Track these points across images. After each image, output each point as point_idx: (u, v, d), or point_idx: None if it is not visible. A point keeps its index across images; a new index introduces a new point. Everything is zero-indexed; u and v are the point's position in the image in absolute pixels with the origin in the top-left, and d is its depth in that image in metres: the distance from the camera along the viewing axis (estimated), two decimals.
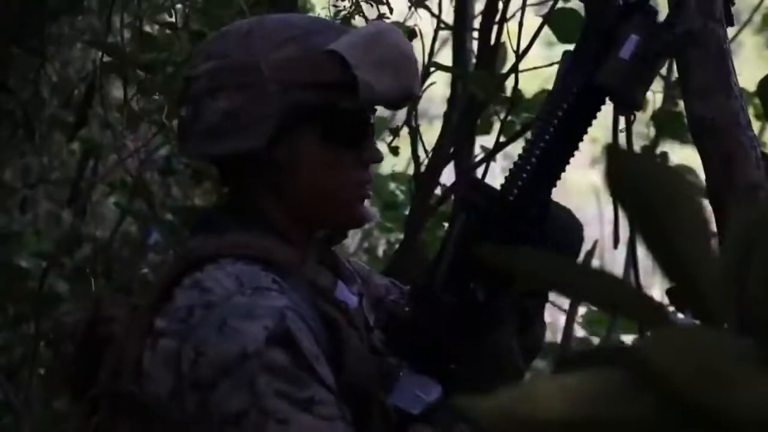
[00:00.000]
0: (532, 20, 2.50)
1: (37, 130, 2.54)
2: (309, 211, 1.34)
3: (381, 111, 4.08)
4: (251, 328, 1.20)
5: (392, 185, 3.34)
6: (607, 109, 2.35)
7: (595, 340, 3.15)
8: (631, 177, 0.58)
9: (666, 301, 0.81)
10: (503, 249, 0.58)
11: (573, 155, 1.30)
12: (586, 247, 2.71)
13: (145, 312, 1.27)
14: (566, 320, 2.67)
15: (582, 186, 7.63)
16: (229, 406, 1.19)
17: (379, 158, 1.39)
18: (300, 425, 1.17)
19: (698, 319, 0.67)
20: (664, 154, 2.63)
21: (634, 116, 1.72)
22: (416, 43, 2.74)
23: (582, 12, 2.57)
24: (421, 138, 2.70)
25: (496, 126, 2.82)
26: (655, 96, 2.71)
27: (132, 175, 2.86)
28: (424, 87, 2.53)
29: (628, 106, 1.27)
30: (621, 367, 0.65)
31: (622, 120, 2.33)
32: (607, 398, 0.64)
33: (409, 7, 2.78)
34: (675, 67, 2.91)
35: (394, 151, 3.03)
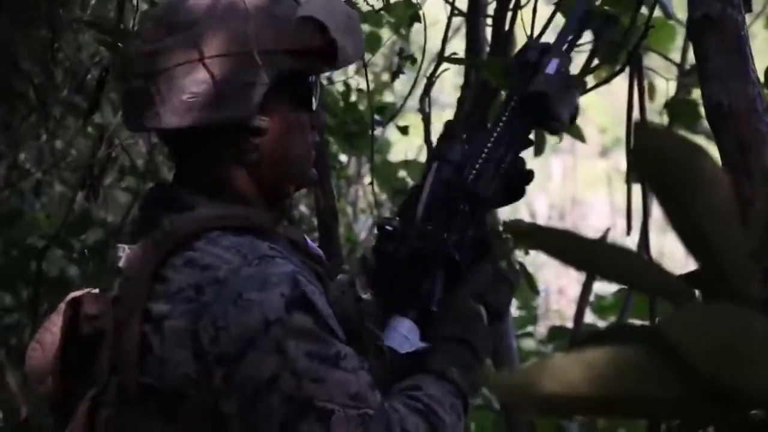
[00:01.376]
0: (543, 8, 2.50)
1: (51, 114, 2.54)
2: (274, 176, 1.38)
3: (390, 97, 4.01)
4: (268, 297, 1.23)
5: (402, 172, 3.34)
6: (621, 100, 2.36)
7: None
8: (658, 153, 0.58)
9: None
10: (540, 228, 0.60)
11: (520, 149, 1.54)
12: (597, 234, 2.71)
13: (139, 298, 1.26)
14: (577, 307, 2.67)
15: (592, 175, 7.63)
16: (260, 373, 1.21)
17: (325, 122, 1.48)
18: (334, 381, 1.22)
19: (722, 298, 0.68)
20: (688, 137, 2.62)
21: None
22: (428, 30, 2.73)
23: None
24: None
25: None
26: (668, 84, 2.71)
27: (133, 160, 2.86)
28: (437, 74, 2.53)
29: (555, 117, 1.53)
30: (642, 345, 0.66)
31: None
32: (629, 375, 0.65)
33: None
34: (688, 55, 2.91)
35: (404, 130, 3.02)
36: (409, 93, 2.73)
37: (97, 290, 1.37)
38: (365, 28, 2.87)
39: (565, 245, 0.66)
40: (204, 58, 1.31)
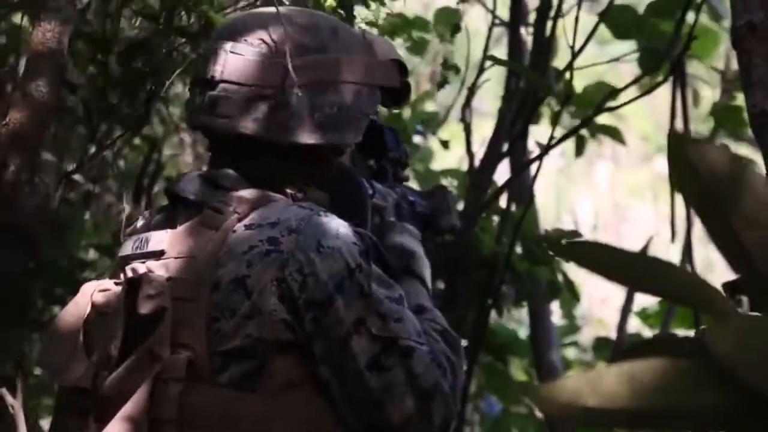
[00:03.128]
0: (584, 17, 2.49)
1: (98, 126, 2.58)
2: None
3: (433, 107, 4.01)
4: (346, 244, 1.32)
5: (445, 181, 3.34)
6: (663, 107, 2.33)
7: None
8: (695, 164, 0.59)
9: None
10: (575, 243, 0.60)
11: None
12: (641, 243, 2.69)
13: (207, 274, 1.31)
14: (620, 316, 2.66)
15: (634, 182, 7.56)
16: (349, 316, 1.31)
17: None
18: (408, 320, 1.34)
19: (761, 310, 0.68)
20: (725, 147, 2.60)
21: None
22: (463, 38, 2.74)
23: (638, 8, 2.56)
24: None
25: (544, 121, 2.82)
26: (714, 91, 2.69)
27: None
28: (478, 83, 2.54)
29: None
30: (684, 356, 0.66)
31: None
32: (670, 387, 0.65)
33: (458, 1, 2.79)
34: (732, 62, 2.88)
35: (445, 145, 3.04)
36: (455, 104, 2.74)
37: (108, 280, 1.41)
38: (413, 34, 2.89)
39: (603, 259, 0.66)
40: (332, 83, 1.40)
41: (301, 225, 1.31)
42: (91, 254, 3.07)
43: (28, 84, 1.66)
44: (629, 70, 3.13)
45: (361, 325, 1.31)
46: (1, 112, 1.76)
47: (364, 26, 1.92)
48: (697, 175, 0.61)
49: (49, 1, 1.71)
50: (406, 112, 3.15)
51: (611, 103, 2.31)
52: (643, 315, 3.08)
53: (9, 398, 2.01)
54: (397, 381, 1.32)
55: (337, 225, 1.33)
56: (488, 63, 2.51)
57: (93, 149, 2.38)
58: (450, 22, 2.74)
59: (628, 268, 0.70)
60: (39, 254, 1.89)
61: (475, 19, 3.05)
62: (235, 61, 1.40)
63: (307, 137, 1.39)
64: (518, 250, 2.44)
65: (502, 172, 2.61)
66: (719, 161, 0.62)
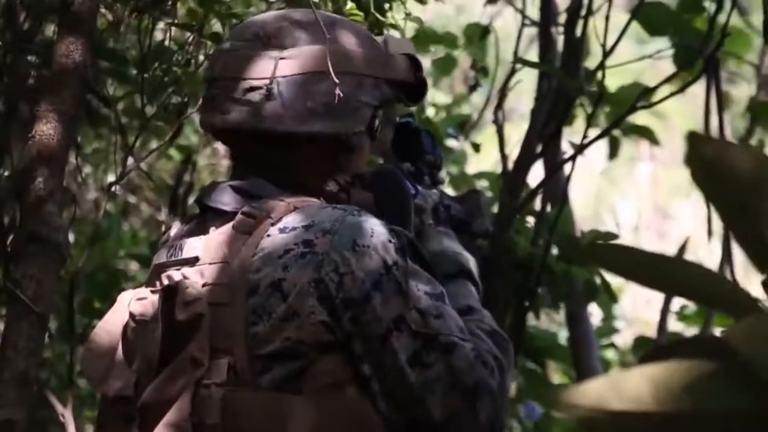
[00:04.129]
0: (618, 16, 2.47)
1: (133, 138, 2.60)
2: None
3: (466, 110, 3.99)
4: (381, 242, 1.32)
5: (479, 184, 3.33)
6: (698, 102, 2.30)
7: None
8: (714, 164, 0.57)
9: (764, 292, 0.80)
10: (598, 246, 0.60)
11: None
12: (679, 241, 2.66)
13: (243, 279, 1.31)
14: (660, 315, 2.63)
15: (677, 181, 7.49)
16: (388, 313, 1.31)
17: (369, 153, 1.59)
18: (449, 316, 1.34)
19: None
20: (760, 143, 2.58)
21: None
22: (502, 43, 2.73)
23: (671, 5, 2.53)
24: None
25: (580, 121, 2.80)
26: (750, 87, 2.65)
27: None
28: (510, 84, 2.53)
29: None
30: (708, 358, 0.65)
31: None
32: (695, 390, 0.64)
33: (485, 3, 2.78)
34: (766, 57, 2.84)
35: (476, 148, 3.03)
36: (485, 106, 2.73)
37: (144, 288, 1.42)
38: (440, 49, 2.90)
39: (626, 262, 0.66)
40: (326, 73, 1.39)
41: (335, 226, 1.32)
42: (132, 266, 3.10)
43: (53, 97, 1.68)
44: (668, 69, 3.10)
45: (401, 321, 1.31)
46: (28, 125, 1.78)
47: (390, 31, 1.91)
48: (718, 176, 0.60)
49: (74, 13, 1.73)
50: (440, 115, 3.15)
51: (645, 102, 2.28)
52: (682, 315, 3.04)
53: (59, 407, 2.03)
54: (439, 377, 1.31)
55: (372, 224, 1.33)
56: (519, 63, 2.50)
57: (130, 161, 2.40)
58: (480, 41, 2.74)
59: (651, 270, 0.69)
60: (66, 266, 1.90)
61: (506, 20, 3.03)
62: (230, 58, 1.43)
63: (297, 125, 1.39)
64: (555, 251, 2.42)
65: (538, 174, 2.60)
66: (741, 162, 0.61)
